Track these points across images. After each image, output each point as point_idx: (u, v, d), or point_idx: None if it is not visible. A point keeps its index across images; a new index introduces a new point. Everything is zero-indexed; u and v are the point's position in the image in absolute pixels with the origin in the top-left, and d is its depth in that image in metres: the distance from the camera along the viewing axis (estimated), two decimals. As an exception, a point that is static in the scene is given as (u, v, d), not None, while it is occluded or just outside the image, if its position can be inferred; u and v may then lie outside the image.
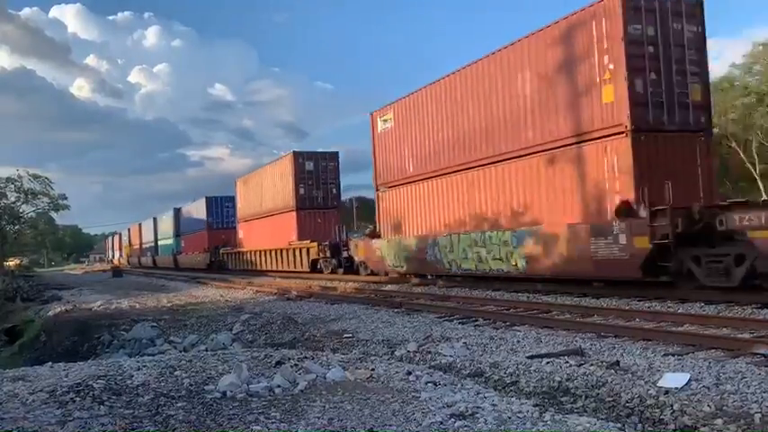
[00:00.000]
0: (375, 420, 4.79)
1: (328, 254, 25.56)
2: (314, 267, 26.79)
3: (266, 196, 32.58)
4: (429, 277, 18.67)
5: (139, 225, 67.83)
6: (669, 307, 10.47)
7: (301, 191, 28.82)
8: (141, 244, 66.30)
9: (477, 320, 10.73)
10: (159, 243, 57.82)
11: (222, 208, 42.12)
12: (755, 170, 30.12)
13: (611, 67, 12.28)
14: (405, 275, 19.70)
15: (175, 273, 43.02)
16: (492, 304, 12.53)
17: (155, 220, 59.50)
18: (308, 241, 27.46)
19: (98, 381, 5.85)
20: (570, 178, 13.35)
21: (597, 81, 12.59)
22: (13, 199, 44.13)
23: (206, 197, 43.49)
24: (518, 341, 8.50)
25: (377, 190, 21.06)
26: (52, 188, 45.59)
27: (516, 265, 14.54)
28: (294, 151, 29.47)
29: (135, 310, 17.86)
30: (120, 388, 5.68)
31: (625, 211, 11.89)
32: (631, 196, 11.85)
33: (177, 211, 51.66)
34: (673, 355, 6.85)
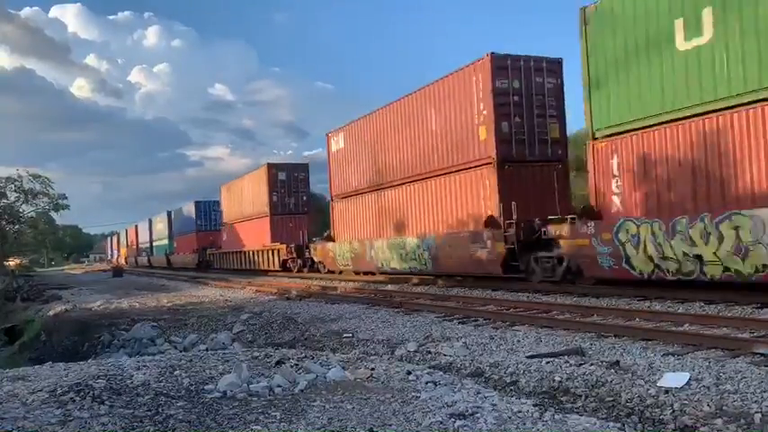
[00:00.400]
0: (375, 420, 4.79)
1: (295, 254, 28.99)
2: (284, 267, 30.17)
3: (245, 202, 35.97)
4: (374, 274, 22.23)
5: (136, 226, 71.43)
6: (669, 307, 10.47)
7: (274, 198, 32.41)
8: (138, 244, 69.58)
9: (477, 320, 10.73)
10: (154, 244, 61.11)
11: (210, 211, 45.34)
12: None
13: (485, 112, 15.74)
14: (356, 272, 23.39)
15: (175, 273, 43.47)
16: (492, 304, 12.52)
17: (150, 221, 62.61)
18: (279, 243, 30.75)
19: (98, 380, 5.85)
20: (459, 196, 17.08)
21: (476, 123, 16.09)
22: (13, 199, 44.08)
23: (195, 201, 47.37)
24: (518, 341, 8.50)
25: (331, 200, 24.80)
26: (52, 188, 45.51)
27: (426, 264, 18.29)
28: (268, 163, 33.16)
29: (135, 309, 17.86)
30: (120, 388, 5.68)
31: (492, 222, 15.45)
32: (496, 212, 15.34)
33: (170, 214, 54.90)
34: (673, 355, 6.85)
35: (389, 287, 18.32)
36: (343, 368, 6.59)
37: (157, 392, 5.56)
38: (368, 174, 21.78)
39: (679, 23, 10.84)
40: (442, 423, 4.67)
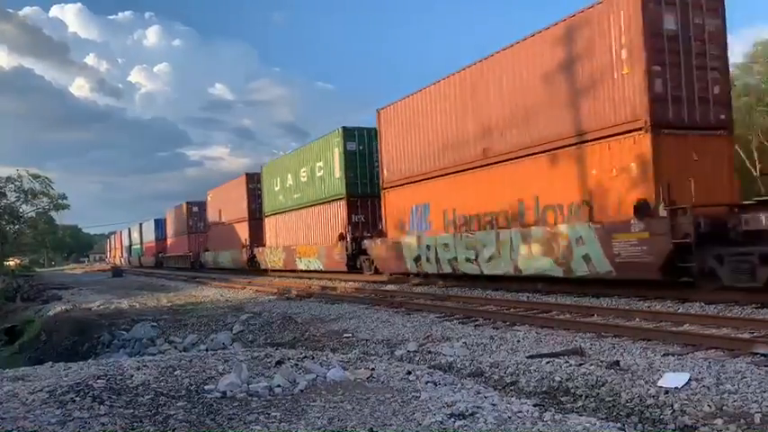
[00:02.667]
0: (375, 420, 4.79)
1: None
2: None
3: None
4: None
5: (121, 232, 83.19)
6: (669, 307, 10.46)
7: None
8: (122, 248, 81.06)
9: (477, 320, 10.73)
10: (133, 247, 72.97)
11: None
12: (755, 170, 30.11)
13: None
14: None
15: (175, 273, 43.60)
16: (492, 304, 12.52)
17: (129, 230, 74.21)
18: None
19: (98, 380, 5.85)
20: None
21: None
22: (13, 199, 44.11)
23: (155, 219, 58.78)
24: (518, 341, 8.50)
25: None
26: (52, 188, 45.60)
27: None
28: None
29: (135, 309, 17.85)
30: (120, 388, 5.67)
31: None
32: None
33: (141, 225, 66.91)
34: (673, 355, 6.85)
35: (389, 287, 18.31)
36: (343, 368, 6.59)
37: (157, 392, 5.55)
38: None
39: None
40: (441, 423, 4.67)
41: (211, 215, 41.89)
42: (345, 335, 10.57)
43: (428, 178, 17.78)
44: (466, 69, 16.09)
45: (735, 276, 9.99)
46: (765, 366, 6.05)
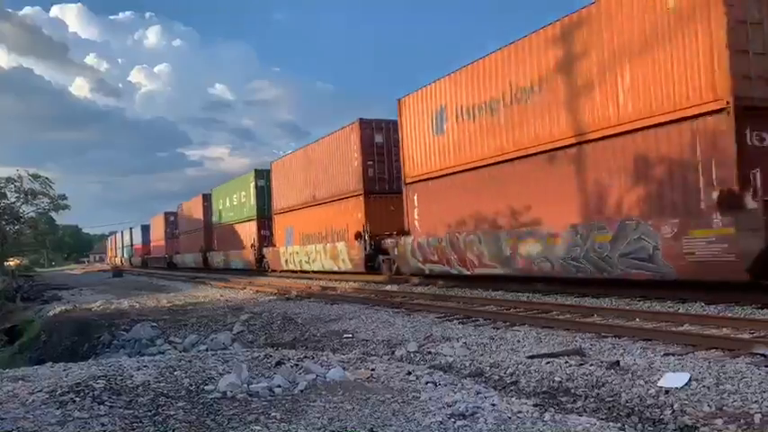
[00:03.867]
0: (375, 420, 4.79)
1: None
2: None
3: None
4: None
5: (115, 235, 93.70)
6: (669, 307, 10.47)
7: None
8: (116, 249, 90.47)
9: (477, 320, 10.73)
10: (124, 249, 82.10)
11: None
12: None
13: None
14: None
15: (175, 273, 43.78)
16: (492, 304, 12.52)
17: (122, 233, 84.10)
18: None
19: (98, 381, 5.85)
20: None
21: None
22: (13, 199, 44.06)
23: (141, 225, 69.74)
24: (518, 341, 8.50)
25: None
26: (52, 188, 45.50)
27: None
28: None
29: (135, 310, 17.84)
30: (120, 388, 5.67)
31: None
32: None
33: (131, 230, 76.89)
34: (673, 355, 6.85)
35: (389, 287, 18.31)
36: (343, 368, 6.59)
37: (157, 393, 5.55)
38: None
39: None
40: (442, 423, 4.66)
41: (181, 225, 51.16)
42: (345, 335, 10.56)
43: (293, 210, 28.40)
44: (307, 148, 27.61)
45: None
46: (765, 366, 6.04)
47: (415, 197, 18.90)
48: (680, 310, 9.98)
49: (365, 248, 21.76)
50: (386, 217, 21.39)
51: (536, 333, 8.98)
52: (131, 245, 75.33)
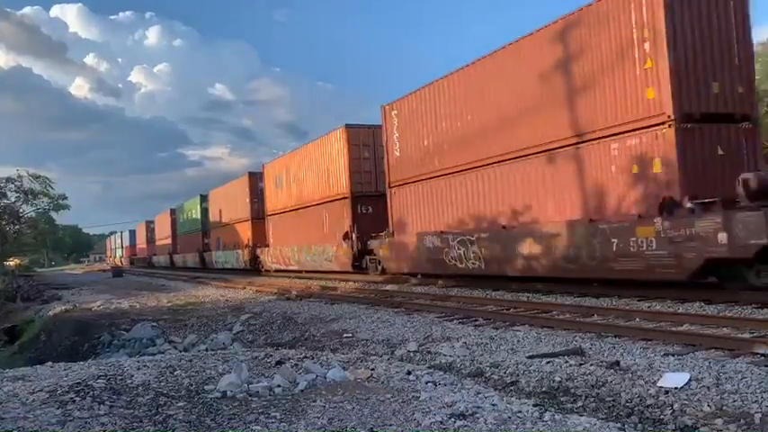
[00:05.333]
0: (375, 420, 4.79)
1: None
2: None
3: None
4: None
5: (111, 238, 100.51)
6: (669, 307, 10.46)
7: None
8: (111, 250, 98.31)
9: (477, 320, 10.73)
10: (117, 250, 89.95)
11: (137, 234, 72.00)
12: None
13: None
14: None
15: (175, 273, 43.79)
16: (492, 304, 12.52)
17: (121, 233, 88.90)
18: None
19: (98, 380, 5.85)
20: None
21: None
22: (13, 199, 44.06)
23: (129, 230, 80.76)
24: (518, 341, 8.49)
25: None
26: (52, 188, 45.50)
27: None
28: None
29: (135, 309, 17.85)
30: (120, 388, 5.67)
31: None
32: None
33: (122, 234, 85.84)
34: (673, 355, 6.85)
35: (389, 287, 18.31)
36: (343, 368, 6.59)
37: (157, 392, 5.56)
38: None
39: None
40: (442, 423, 4.67)
41: (157, 233, 61.78)
42: (345, 335, 10.56)
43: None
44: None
45: None
46: (765, 366, 6.05)
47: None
48: (680, 310, 9.98)
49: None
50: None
51: (536, 333, 8.98)
52: (122, 247, 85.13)
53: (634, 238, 11.23)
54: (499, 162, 15.18)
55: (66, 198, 48.38)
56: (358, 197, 22.93)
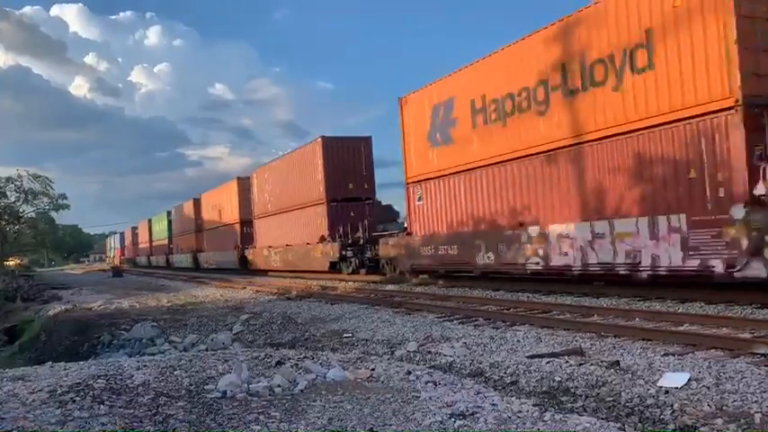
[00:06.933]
0: (375, 420, 4.79)
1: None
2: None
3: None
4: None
5: (108, 239, 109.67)
6: (669, 307, 10.46)
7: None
8: (107, 250, 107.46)
9: (477, 320, 10.72)
10: (112, 251, 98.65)
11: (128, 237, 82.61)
12: None
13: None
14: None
15: (175, 273, 43.93)
16: (492, 304, 12.52)
17: (113, 236, 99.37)
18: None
19: (98, 380, 5.85)
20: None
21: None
22: (13, 199, 44.04)
23: (120, 233, 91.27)
24: (518, 341, 8.49)
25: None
26: (52, 188, 45.48)
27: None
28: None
29: (135, 309, 17.85)
30: (120, 388, 5.67)
31: None
32: None
33: (114, 237, 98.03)
34: (673, 355, 6.85)
35: (389, 287, 18.31)
36: (343, 368, 6.59)
37: (157, 392, 5.55)
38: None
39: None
40: (442, 423, 4.67)
41: (138, 238, 72.65)
42: (345, 335, 10.56)
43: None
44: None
45: None
46: (765, 366, 6.05)
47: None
48: (680, 310, 9.98)
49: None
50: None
51: (536, 333, 8.98)
52: (113, 248, 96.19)
53: None
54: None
55: (66, 198, 48.38)
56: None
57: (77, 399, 5.23)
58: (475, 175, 15.88)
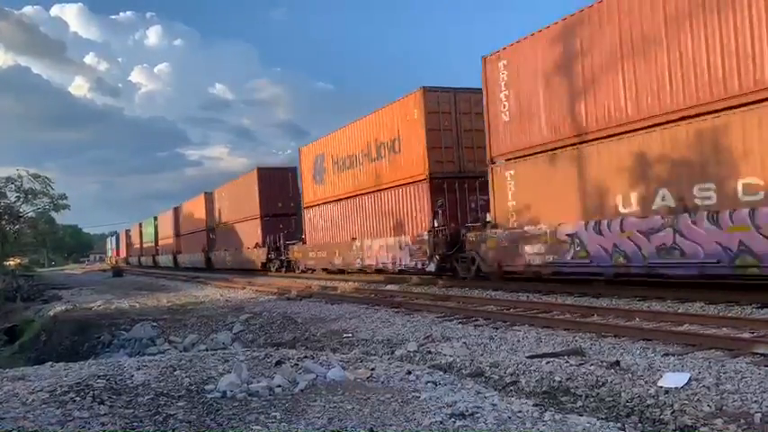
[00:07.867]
0: (375, 420, 4.79)
1: None
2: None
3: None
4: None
5: (107, 240, 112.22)
6: (669, 307, 10.46)
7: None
8: (106, 250, 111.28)
9: (477, 320, 10.72)
10: (110, 252, 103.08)
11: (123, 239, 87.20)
12: None
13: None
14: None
15: (175, 273, 44.09)
16: (492, 304, 12.52)
17: (109, 238, 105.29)
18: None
19: (98, 380, 5.85)
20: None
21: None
22: (13, 199, 43.97)
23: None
24: (518, 341, 8.50)
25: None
26: (52, 188, 45.40)
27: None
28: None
29: (135, 309, 17.86)
30: (120, 388, 5.67)
31: None
32: None
33: (110, 239, 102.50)
34: (673, 355, 6.85)
35: (389, 287, 18.31)
36: (343, 368, 6.59)
37: (157, 392, 5.56)
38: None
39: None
40: (442, 423, 4.67)
41: (131, 240, 77.37)
42: (345, 335, 10.56)
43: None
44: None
45: None
46: (765, 366, 6.05)
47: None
48: (680, 310, 9.98)
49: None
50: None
51: (536, 333, 8.98)
52: (110, 249, 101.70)
53: None
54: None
55: (66, 198, 48.30)
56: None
57: (77, 399, 5.23)
58: (333, 205, 24.62)
